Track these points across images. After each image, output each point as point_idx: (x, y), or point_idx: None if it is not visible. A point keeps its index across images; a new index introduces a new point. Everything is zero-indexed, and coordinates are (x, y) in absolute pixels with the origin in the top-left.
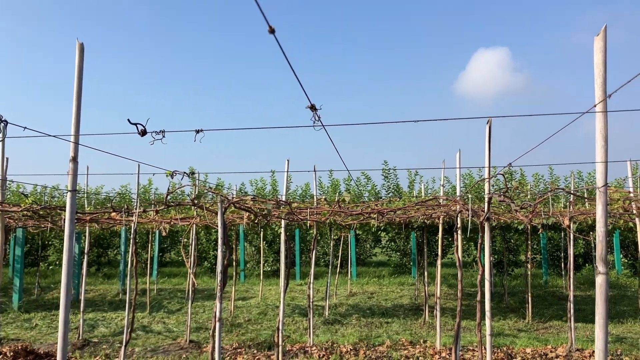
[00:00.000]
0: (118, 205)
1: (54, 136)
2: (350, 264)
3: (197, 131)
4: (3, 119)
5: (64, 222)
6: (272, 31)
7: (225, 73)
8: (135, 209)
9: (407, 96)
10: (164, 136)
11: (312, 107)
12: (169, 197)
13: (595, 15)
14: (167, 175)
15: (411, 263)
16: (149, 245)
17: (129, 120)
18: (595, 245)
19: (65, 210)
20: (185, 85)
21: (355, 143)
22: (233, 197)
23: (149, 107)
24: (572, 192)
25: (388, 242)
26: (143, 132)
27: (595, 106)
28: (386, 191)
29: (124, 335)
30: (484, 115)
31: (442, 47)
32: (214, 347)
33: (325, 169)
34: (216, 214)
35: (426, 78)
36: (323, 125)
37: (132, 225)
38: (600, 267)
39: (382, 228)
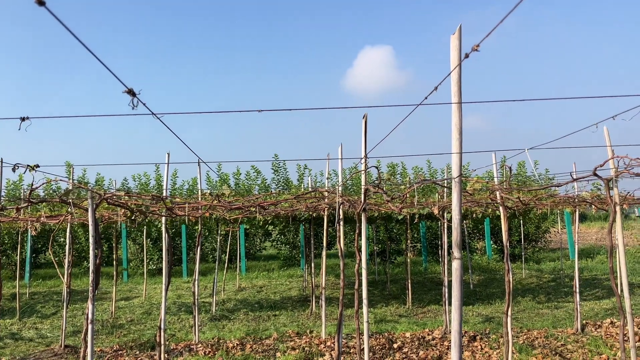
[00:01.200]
0: None
1: None
2: (239, 258)
3: (23, 119)
4: None
5: None
6: (41, 3)
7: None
8: None
9: (299, 91)
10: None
11: (130, 92)
12: (42, 194)
13: (470, 18)
14: (12, 170)
15: (300, 255)
16: (19, 245)
17: None
18: (468, 233)
19: None
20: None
21: (246, 136)
22: (105, 193)
23: None
24: (437, 182)
25: (278, 236)
26: None
27: (429, 94)
28: (276, 185)
29: None
30: (369, 111)
31: (331, 44)
32: (85, 352)
33: (213, 161)
34: (86, 210)
35: (317, 74)
36: (154, 114)
37: None
38: (456, 252)
39: (269, 222)
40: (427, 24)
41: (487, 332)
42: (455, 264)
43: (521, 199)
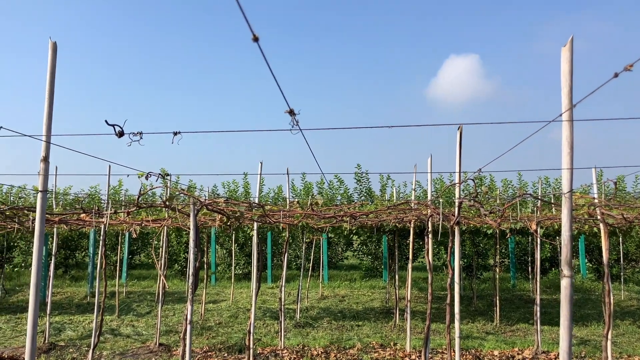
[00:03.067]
0: (87, 206)
1: (29, 136)
2: (322, 267)
3: (175, 133)
4: None
5: (32, 222)
6: (256, 39)
7: (200, 76)
8: (106, 210)
9: (380, 100)
10: (141, 137)
11: (291, 112)
12: (140, 199)
13: (559, 26)
14: (139, 177)
15: (382, 266)
16: (119, 247)
17: (106, 121)
18: (561, 249)
19: (33, 211)
20: (163, 88)
21: (328, 145)
22: (205, 199)
23: (125, 109)
24: (539, 197)
25: (360, 246)
26: (120, 134)
27: (561, 115)
28: (358, 194)
29: (92, 339)
30: (454, 121)
31: (414, 52)
32: (184, 350)
33: (298, 171)
34: (188, 216)
35: (399, 83)
36: (301, 130)
37: (102, 226)
38: (566, 270)
39: (354, 231)
40: (513, 31)
41: (583, 355)
42: (565, 282)
43: (625, 215)
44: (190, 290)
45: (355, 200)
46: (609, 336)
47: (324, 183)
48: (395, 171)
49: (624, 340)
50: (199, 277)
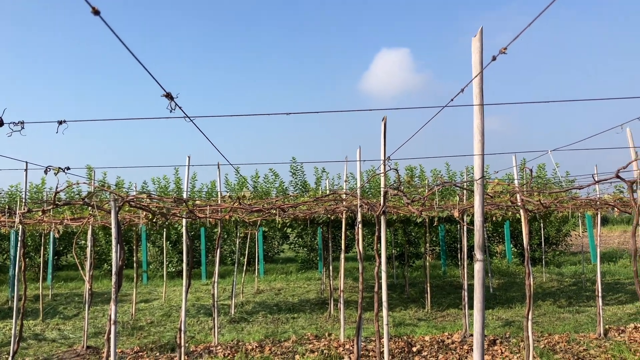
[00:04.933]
0: (2, 206)
1: None
2: (257, 261)
3: (60, 122)
4: None
5: None
6: (96, 12)
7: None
8: (18, 209)
9: (315, 94)
10: (23, 127)
11: (168, 96)
12: (64, 196)
13: (487, 21)
14: (44, 172)
15: (318, 258)
16: (42, 248)
17: None
18: (488, 236)
19: None
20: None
21: (264, 138)
22: (128, 196)
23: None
24: (458, 184)
25: (296, 239)
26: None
27: (455, 96)
28: (294, 188)
29: (11, 345)
30: (387, 114)
31: (348, 47)
32: (109, 352)
33: (230, 164)
34: (109, 212)
35: (333, 77)
36: (188, 116)
37: (15, 226)
38: (478, 254)
39: (287, 224)
40: (444, 25)
41: (507, 336)
42: (478, 266)
43: (542, 201)
44: (113, 289)
45: (290, 193)
46: (530, 316)
47: (258, 177)
48: (328, 160)
49: (545, 320)
50: (130, 276)
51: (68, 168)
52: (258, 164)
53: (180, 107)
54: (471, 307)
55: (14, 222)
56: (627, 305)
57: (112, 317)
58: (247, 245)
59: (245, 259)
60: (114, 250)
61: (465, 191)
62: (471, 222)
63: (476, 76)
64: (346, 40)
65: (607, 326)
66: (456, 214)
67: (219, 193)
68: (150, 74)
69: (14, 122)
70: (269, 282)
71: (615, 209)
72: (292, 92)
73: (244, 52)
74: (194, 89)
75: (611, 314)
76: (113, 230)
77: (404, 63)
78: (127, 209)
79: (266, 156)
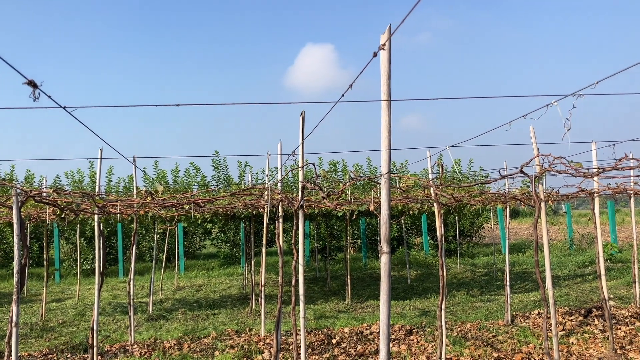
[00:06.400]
0: None
1: None
2: (177, 257)
3: None
4: None
5: None
6: None
7: None
8: None
9: (240, 87)
10: None
11: (31, 83)
12: None
13: (410, 20)
14: None
15: (240, 253)
16: None
17: None
18: (406, 229)
19: None
20: None
21: (187, 133)
22: (30, 190)
23: None
24: (368, 178)
25: (218, 234)
26: None
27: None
28: (217, 182)
29: None
30: (310, 109)
31: (272, 40)
32: (10, 356)
33: (149, 157)
34: (11, 208)
35: (258, 70)
36: (62, 107)
37: None
38: (385, 247)
39: (208, 220)
40: (369, 23)
41: (423, 325)
42: (384, 259)
43: (454, 195)
44: (15, 289)
45: (213, 188)
46: (443, 306)
47: (179, 171)
48: (250, 154)
49: (459, 309)
50: (41, 275)
51: None
52: (178, 157)
53: (49, 96)
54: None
55: None
56: (532, 293)
57: (14, 318)
58: (167, 242)
59: (165, 256)
60: (16, 247)
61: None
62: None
63: (381, 71)
64: (272, 33)
65: (514, 313)
66: (372, 208)
67: (134, 188)
68: (10, 65)
69: None
70: (189, 278)
71: (522, 203)
72: (217, 84)
73: (158, 37)
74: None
75: (518, 302)
76: (15, 227)
77: (328, 59)
78: (33, 204)
79: (188, 150)
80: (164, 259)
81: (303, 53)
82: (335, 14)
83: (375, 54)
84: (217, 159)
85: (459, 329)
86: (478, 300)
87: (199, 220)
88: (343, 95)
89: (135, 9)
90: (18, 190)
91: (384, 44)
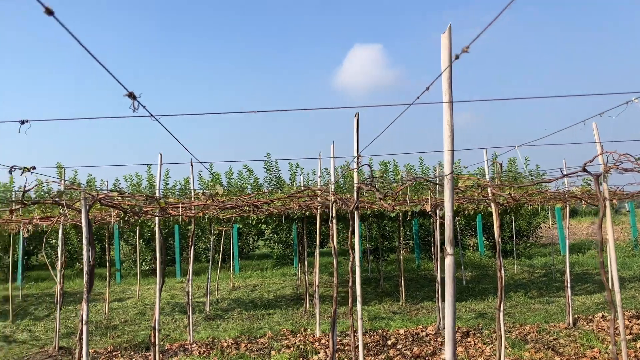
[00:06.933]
0: None
1: None
2: (232, 258)
3: (22, 122)
4: None
5: None
6: (49, 13)
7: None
8: None
9: (290, 91)
10: None
11: (131, 95)
12: (33, 196)
13: (458, 15)
14: (9, 172)
15: (293, 254)
16: (11, 248)
17: None
18: (461, 230)
19: None
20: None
21: (240, 135)
22: (99, 194)
23: None
24: (427, 179)
25: (271, 235)
26: None
27: (421, 94)
28: (268, 184)
29: None
30: (359, 110)
31: (320, 43)
32: (81, 353)
33: (205, 161)
34: (79, 211)
35: (306, 73)
36: (152, 116)
37: None
38: (449, 248)
39: (262, 220)
40: (416, 21)
41: (480, 327)
42: (448, 260)
43: (512, 195)
44: (85, 289)
45: (266, 190)
46: (502, 308)
47: (232, 173)
48: (302, 158)
49: (517, 311)
50: (103, 275)
51: (34, 168)
52: (232, 162)
53: (144, 106)
54: (445, 300)
55: None
56: (595, 295)
57: (84, 317)
58: (222, 242)
59: (220, 256)
60: (85, 249)
61: (437, 186)
62: (443, 217)
63: (444, 72)
64: (319, 37)
65: (576, 316)
66: (428, 208)
67: (192, 190)
68: (111, 74)
69: None
70: (244, 278)
71: (583, 202)
72: (265, 89)
73: (214, 51)
74: (162, 87)
75: (580, 304)
76: (84, 229)
77: (376, 59)
78: (98, 207)
79: (240, 153)
80: (220, 260)
81: (351, 54)
82: (384, 14)
83: (457, 57)
84: (269, 162)
85: (517, 331)
86: (537, 302)
87: (254, 222)
88: (418, 98)
89: (183, 11)
90: (85, 194)
91: (467, 47)
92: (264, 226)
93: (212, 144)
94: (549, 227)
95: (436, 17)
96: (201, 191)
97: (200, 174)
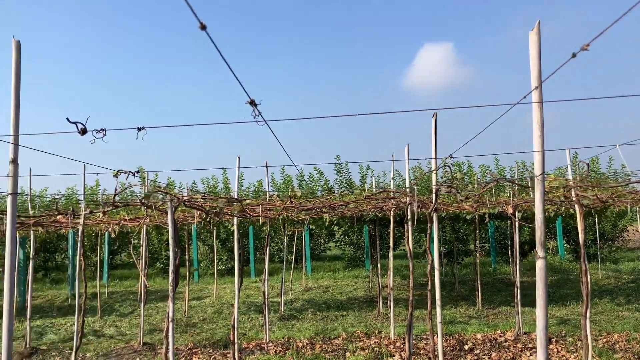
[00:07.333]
0: (64, 207)
1: None
2: (304, 259)
3: (139, 129)
4: None
5: (5, 226)
6: (203, 27)
7: (161, 70)
8: (82, 211)
9: (357, 90)
10: (104, 134)
11: (252, 102)
12: (117, 198)
13: (530, 11)
14: (114, 175)
15: (365, 256)
16: (98, 247)
17: (67, 119)
18: (543, 232)
19: (5, 214)
20: (127, 82)
21: (306, 138)
22: (183, 196)
23: (90, 105)
24: (513, 180)
25: (342, 236)
26: (83, 131)
27: (525, 97)
28: (339, 186)
29: (74, 341)
30: (428, 108)
31: (388, 42)
32: (167, 349)
33: (277, 165)
34: (166, 213)
35: (374, 72)
36: (265, 121)
37: (79, 227)
38: (540, 251)
39: (335, 222)
40: (487, 19)
41: (563, 334)
42: (540, 264)
43: (599, 196)
44: (171, 287)
45: (335, 192)
46: (588, 315)
47: (303, 175)
48: (372, 160)
49: (603, 318)
50: (181, 274)
51: (137, 172)
52: (304, 164)
53: (260, 113)
54: (524, 305)
55: (76, 222)
56: None
57: (170, 314)
58: (294, 243)
59: (293, 257)
60: (171, 249)
61: (516, 187)
62: (523, 219)
63: (535, 70)
64: (388, 37)
65: None
66: (510, 210)
67: (267, 192)
68: (240, 83)
69: (96, 130)
70: (316, 279)
71: None
72: (333, 90)
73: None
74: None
75: None
76: (170, 230)
77: (447, 57)
78: (182, 208)
79: (309, 154)
80: (293, 260)
81: (421, 54)
82: (455, 11)
83: (574, 55)
84: (339, 164)
85: (604, 339)
86: (625, 310)
87: (327, 223)
88: (524, 97)
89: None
90: (171, 196)
91: (587, 45)
92: (336, 227)
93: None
94: (637, 231)
95: (509, 13)
96: (275, 193)
97: (272, 176)
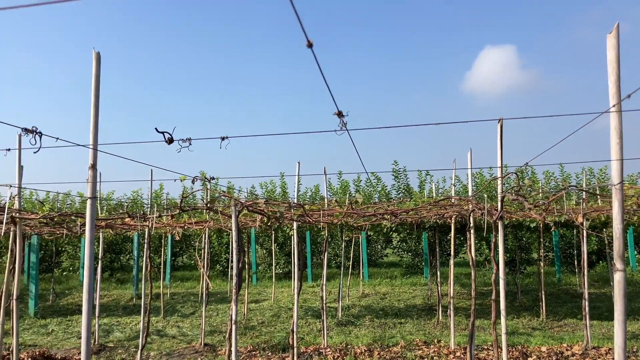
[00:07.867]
0: (130, 210)
1: (82, 145)
2: (361, 265)
3: (223, 138)
4: (37, 131)
5: (80, 228)
6: (310, 45)
7: (242, 76)
8: (151, 214)
9: (415, 96)
10: (190, 144)
11: (340, 114)
12: (182, 202)
13: (596, 12)
14: (181, 180)
15: (423, 263)
16: (162, 249)
17: (156, 129)
18: (608, 242)
19: (81, 217)
20: (203, 88)
21: (366, 143)
22: (245, 201)
23: (169, 114)
24: (586, 189)
25: (399, 243)
26: (170, 140)
27: (613, 105)
28: (397, 192)
29: (140, 340)
30: (493, 114)
31: (448, 45)
32: (230, 350)
33: (333, 170)
34: (229, 217)
35: (433, 77)
36: (347, 131)
37: (147, 230)
38: (618, 264)
39: (393, 229)
40: (549, 20)
41: (635, 350)
42: (618, 276)
43: None
44: (234, 290)
45: (393, 197)
46: None
47: (360, 181)
48: (433, 167)
49: None
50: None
51: (213, 178)
52: (361, 173)
53: (345, 124)
54: (592, 317)
55: (144, 225)
56: None
57: (233, 317)
58: (352, 249)
59: (350, 263)
60: (235, 252)
61: (586, 195)
62: (591, 228)
63: (613, 75)
64: (447, 40)
65: None
66: (579, 219)
67: (325, 197)
68: (332, 97)
69: (182, 139)
70: (373, 286)
71: None
72: (391, 95)
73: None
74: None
75: None
76: (233, 234)
77: (509, 60)
78: (244, 213)
79: (367, 159)
80: (350, 266)
81: (482, 57)
82: (518, 13)
83: None
84: (397, 169)
85: None
86: None
87: (385, 229)
88: (614, 106)
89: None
90: (235, 201)
91: None
92: (394, 234)
93: (337, 152)
94: None
95: (575, 13)
96: (333, 198)
97: (329, 182)
